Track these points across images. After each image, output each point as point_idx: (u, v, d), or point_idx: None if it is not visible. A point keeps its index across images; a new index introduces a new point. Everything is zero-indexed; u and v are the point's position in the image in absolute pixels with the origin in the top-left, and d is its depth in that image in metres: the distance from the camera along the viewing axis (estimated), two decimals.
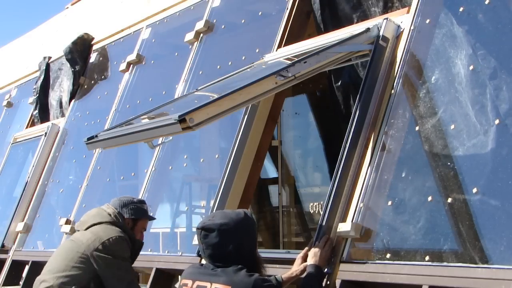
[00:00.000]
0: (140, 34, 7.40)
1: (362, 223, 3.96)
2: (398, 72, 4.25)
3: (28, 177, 7.87)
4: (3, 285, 7.32)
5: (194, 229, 4.31)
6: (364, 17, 4.94)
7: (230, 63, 5.83)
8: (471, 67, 3.85)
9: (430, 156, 3.87)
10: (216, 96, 4.04)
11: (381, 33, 4.38)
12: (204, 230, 3.54)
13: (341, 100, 5.16)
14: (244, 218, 3.60)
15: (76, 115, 8.03)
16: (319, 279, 3.79)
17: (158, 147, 5.79)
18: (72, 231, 6.74)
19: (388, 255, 3.76)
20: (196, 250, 4.87)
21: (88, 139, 4.61)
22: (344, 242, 3.99)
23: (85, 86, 8.19)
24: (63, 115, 8.36)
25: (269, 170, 7.53)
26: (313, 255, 3.88)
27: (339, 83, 5.21)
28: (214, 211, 3.64)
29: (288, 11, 5.48)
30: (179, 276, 4.34)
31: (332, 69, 4.79)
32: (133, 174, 6.64)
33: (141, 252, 4.65)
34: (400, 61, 4.27)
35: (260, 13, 5.94)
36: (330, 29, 5.11)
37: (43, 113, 8.79)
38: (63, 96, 8.42)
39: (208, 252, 3.54)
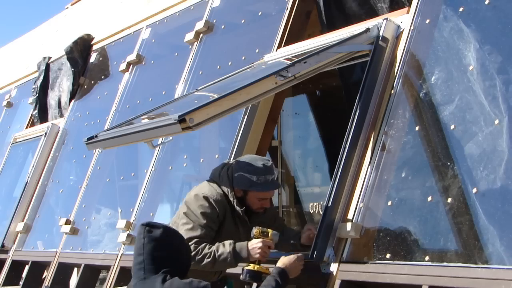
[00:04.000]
0: (140, 34, 7.40)
1: (362, 223, 3.96)
2: (398, 72, 4.25)
3: (28, 177, 7.87)
4: (3, 285, 7.32)
5: None
6: (372, 12, 4.92)
7: (230, 63, 5.83)
8: (470, 67, 3.85)
9: (430, 156, 3.87)
10: (216, 96, 4.04)
11: (381, 33, 4.38)
12: (149, 226, 3.41)
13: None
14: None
15: (76, 115, 8.03)
16: (278, 280, 3.75)
17: (158, 147, 5.78)
18: (72, 231, 6.76)
19: (388, 255, 3.76)
20: None
21: (88, 139, 4.61)
22: (344, 242, 3.99)
23: (85, 86, 8.19)
24: (62, 115, 8.36)
25: None
26: (285, 259, 3.88)
27: (354, 81, 5.20)
28: None
29: (288, 11, 5.48)
30: None
31: (342, 67, 4.80)
32: (133, 174, 6.64)
33: None
34: (400, 61, 4.28)
35: (260, 13, 5.94)
36: (336, 27, 5.09)
37: (43, 113, 8.79)
38: (62, 96, 8.42)
39: (149, 247, 3.36)
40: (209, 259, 3.94)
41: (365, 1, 5.01)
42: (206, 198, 4.07)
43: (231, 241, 3.97)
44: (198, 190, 4.15)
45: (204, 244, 3.98)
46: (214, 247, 3.96)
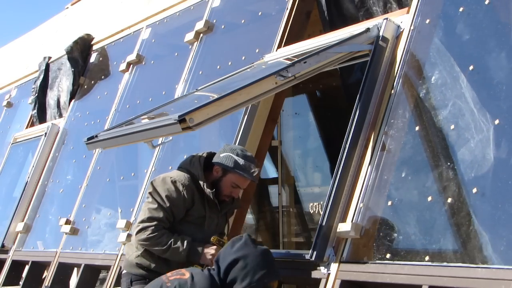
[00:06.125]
0: (140, 34, 7.40)
1: (362, 223, 3.96)
2: (398, 72, 4.25)
3: (28, 177, 7.87)
4: (3, 285, 7.32)
5: None
6: (368, 16, 4.93)
7: (230, 63, 5.83)
8: (471, 67, 3.85)
9: (430, 156, 3.87)
10: (216, 96, 4.05)
11: (381, 33, 4.38)
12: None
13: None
14: None
15: (76, 115, 8.03)
16: None
17: (158, 147, 5.79)
18: (72, 231, 6.76)
19: (388, 255, 3.76)
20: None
21: (88, 139, 4.62)
22: (344, 242, 3.99)
23: (85, 86, 8.19)
24: (61, 115, 8.36)
25: (269, 170, 7.54)
26: None
27: (353, 81, 5.21)
28: None
29: (288, 11, 5.48)
30: None
31: (342, 67, 4.81)
32: (133, 174, 6.63)
33: None
34: (400, 61, 4.28)
35: (260, 13, 5.94)
36: (337, 26, 5.09)
37: (42, 113, 8.79)
38: (61, 96, 8.41)
39: None
40: (162, 247, 4.14)
41: (362, 4, 5.03)
42: (173, 182, 4.23)
43: (190, 239, 4.16)
44: (167, 174, 4.32)
45: (164, 230, 4.17)
46: (172, 239, 4.14)
